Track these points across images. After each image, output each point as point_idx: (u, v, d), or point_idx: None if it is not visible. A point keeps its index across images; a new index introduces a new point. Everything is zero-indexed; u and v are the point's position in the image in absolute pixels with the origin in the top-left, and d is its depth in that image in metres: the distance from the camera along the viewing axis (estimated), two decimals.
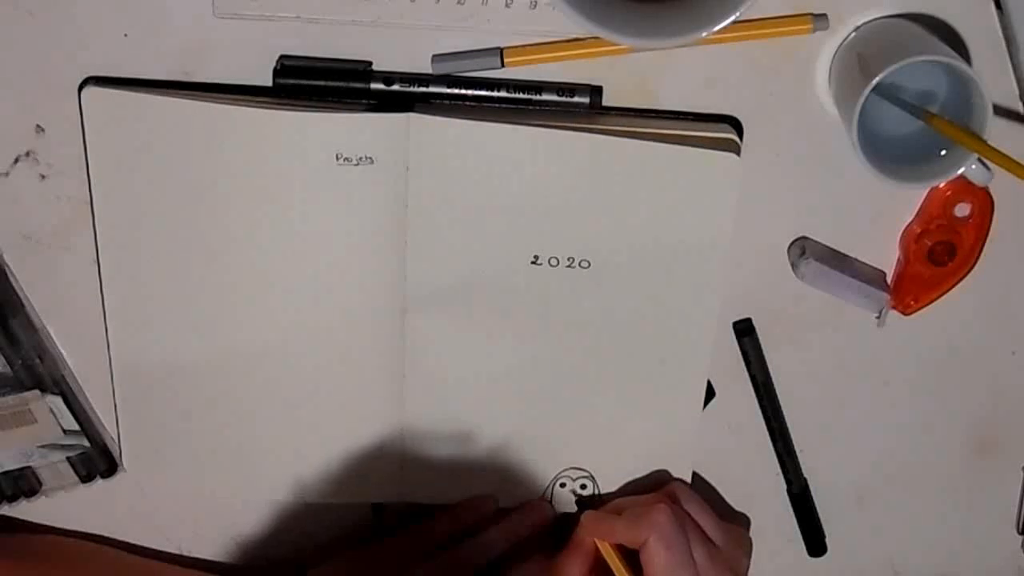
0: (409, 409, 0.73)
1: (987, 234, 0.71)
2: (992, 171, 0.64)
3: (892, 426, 0.77)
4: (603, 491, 0.75)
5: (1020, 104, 0.67)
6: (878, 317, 0.73)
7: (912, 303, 0.72)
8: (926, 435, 0.77)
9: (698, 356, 0.72)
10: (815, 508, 0.78)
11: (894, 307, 0.72)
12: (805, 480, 0.77)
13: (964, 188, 0.68)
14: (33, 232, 0.69)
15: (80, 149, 0.66)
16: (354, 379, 0.72)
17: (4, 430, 0.72)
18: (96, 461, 0.75)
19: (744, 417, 0.75)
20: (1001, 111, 0.66)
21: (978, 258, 0.71)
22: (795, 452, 0.77)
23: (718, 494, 0.77)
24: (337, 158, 0.66)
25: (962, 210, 0.70)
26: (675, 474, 0.75)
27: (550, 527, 0.75)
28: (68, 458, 0.74)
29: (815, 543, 0.79)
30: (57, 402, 0.72)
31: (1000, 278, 0.72)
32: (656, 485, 0.74)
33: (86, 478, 0.75)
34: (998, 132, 0.62)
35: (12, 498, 0.75)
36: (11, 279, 0.71)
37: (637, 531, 0.68)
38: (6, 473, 0.74)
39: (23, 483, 0.75)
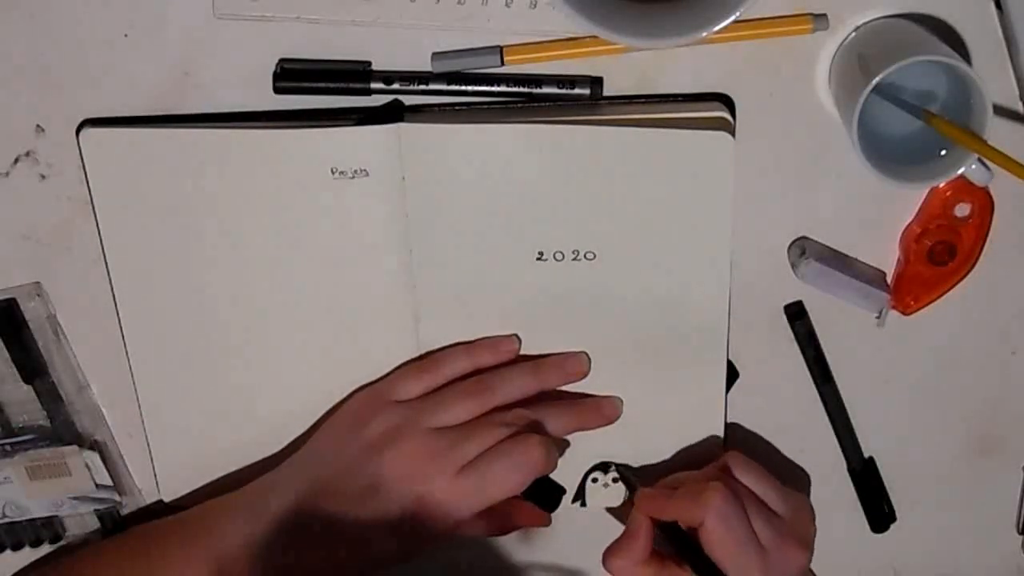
0: None
1: (987, 234, 0.71)
2: (992, 171, 0.64)
3: (892, 426, 0.77)
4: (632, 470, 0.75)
5: (1020, 104, 0.67)
6: (878, 317, 0.73)
7: (912, 303, 0.72)
8: (926, 435, 0.77)
9: (715, 337, 0.72)
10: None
11: (894, 307, 0.72)
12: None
13: (964, 188, 0.68)
14: (33, 232, 0.69)
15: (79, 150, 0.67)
16: None
17: (38, 480, 0.73)
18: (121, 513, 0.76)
19: (745, 412, 0.75)
20: (1001, 111, 0.66)
21: (978, 258, 0.71)
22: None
23: (775, 461, 0.77)
24: (332, 172, 0.66)
25: (962, 210, 0.70)
26: (706, 458, 0.74)
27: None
28: (96, 510, 0.75)
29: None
30: (94, 458, 0.73)
31: (1000, 278, 0.72)
32: (688, 468, 0.73)
33: (111, 530, 0.76)
34: (998, 132, 0.63)
35: (35, 543, 0.76)
36: (63, 340, 0.72)
37: (693, 511, 0.66)
38: (32, 520, 0.75)
39: (48, 530, 0.76)
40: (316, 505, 0.67)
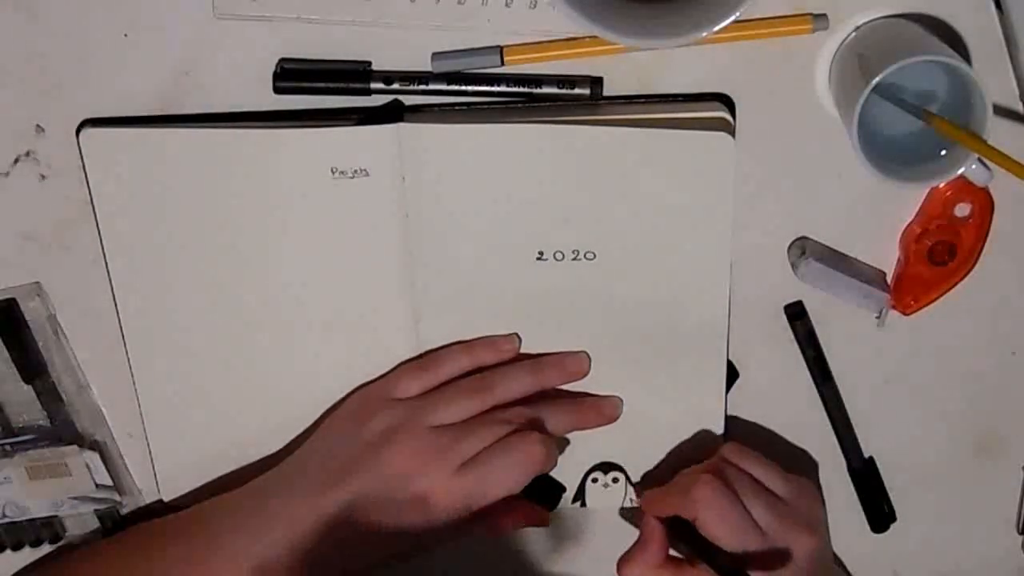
0: None
1: (987, 234, 0.71)
2: (992, 171, 0.64)
3: (892, 426, 0.77)
4: (635, 482, 0.75)
5: (1020, 104, 0.67)
6: (878, 317, 0.73)
7: (912, 303, 0.72)
8: (926, 435, 0.77)
9: (715, 337, 0.72)
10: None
11: (894, 307, 0.72)
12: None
13: (964, 188, 0.68)
14: (33, 232, 0.69)
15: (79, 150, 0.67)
16: None
17: (38, 480, 0.73)
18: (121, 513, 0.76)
19: (745, 412, 0.76)
20: (1001, 111, 0.66)
21: (978, 258, 0.71)
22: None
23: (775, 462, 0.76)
24: (332, 172, 0.66)
25: (962, 210, 0.70)
26: (706, 459, 0.74)
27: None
28: (96, 510, 0.75)
29: None
30: (94, 458, 0.73)
31: (1000, 278, 0.72)
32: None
33: (111, 529, 0.76)
34: (998, 132, 0.62)
35: (35, 543, 0.76)
36: (63, 340, 0.72)
37: (686, 507, 0.67)
38: (32, 520, 0.75)
39: (48, 530, 0.76)
40: (314, 503, 0.67)
